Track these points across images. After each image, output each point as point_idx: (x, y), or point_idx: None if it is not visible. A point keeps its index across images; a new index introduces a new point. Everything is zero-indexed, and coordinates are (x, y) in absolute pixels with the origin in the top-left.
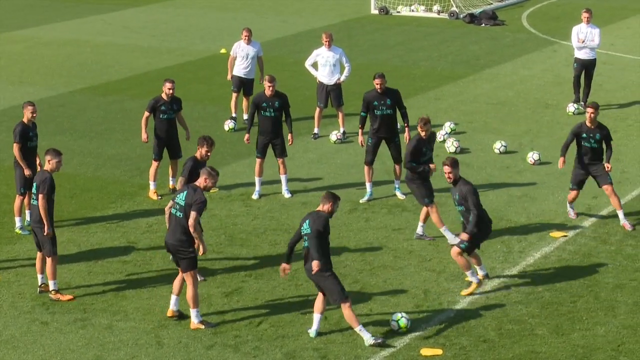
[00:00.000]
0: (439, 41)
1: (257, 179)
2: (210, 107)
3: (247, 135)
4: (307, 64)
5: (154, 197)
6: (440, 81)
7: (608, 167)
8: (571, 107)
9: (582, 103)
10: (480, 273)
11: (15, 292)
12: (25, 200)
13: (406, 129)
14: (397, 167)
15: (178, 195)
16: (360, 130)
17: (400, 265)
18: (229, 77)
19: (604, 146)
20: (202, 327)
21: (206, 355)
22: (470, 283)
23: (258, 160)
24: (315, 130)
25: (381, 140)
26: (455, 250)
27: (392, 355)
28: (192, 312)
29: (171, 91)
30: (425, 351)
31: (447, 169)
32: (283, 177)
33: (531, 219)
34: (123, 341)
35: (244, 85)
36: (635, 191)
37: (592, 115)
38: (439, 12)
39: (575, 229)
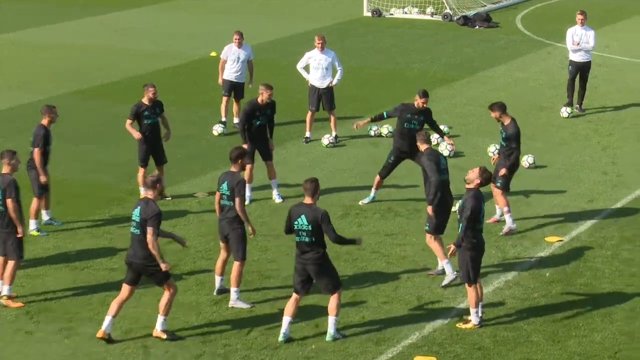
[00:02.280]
0: (433, 43)
1: (247, 185)
2: (200, 111)
3: (246, 145)
4: (299, 66)
5: None
6: (433, 84)
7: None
8: (564, 111)
9: (577, 106)
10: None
11: None
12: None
13: (446, 137)
14: None
15: (133, 211)
16: (368, 119)
17: (393, 272)
18: (219, 80)
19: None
20: (164, 337)
21: None
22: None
23: (248, 167)
24: (307, 134)
25: (402, 159)
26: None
27: None
28: (159, 319)
29: (155, 95)
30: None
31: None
32: (273, 182)
33: (526, 224)
34: (109, 351)
35: (235, 89)
36: (630, 195)
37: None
38: (432, 15)
39: (570, 234)
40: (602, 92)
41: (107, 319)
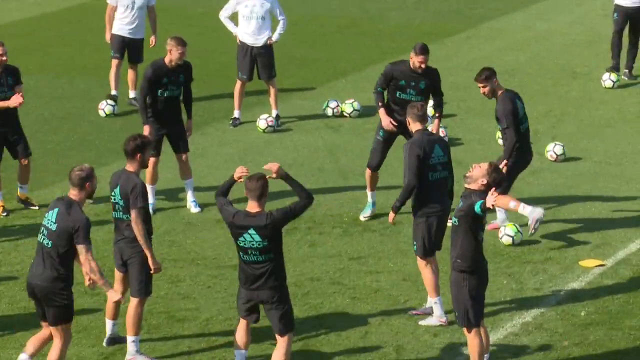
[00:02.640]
0: None
1: (149, 187)
2: (79, 81)
3: (147, 127)
4: (223, 15)
5: None
6: (418, 40)
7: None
8: (608, 79)
9: (626, 71)
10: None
11: None
12: None
13: (437, 121)
14: None
15: (46, 215)
16: (382, 110)
17: (362, 312)
18: (107, 37)
19: None
20: None
21: None
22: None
23: (151, 161)
24: (236, 114)
25: (396, 135)
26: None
27: None
28: None
29: (4, 58)
30: None
31: None
32: (187, 183)
33: (552, 241)
34: None
35: (130, 48)
36: None
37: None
38: None
39: (616, 255)
40: None
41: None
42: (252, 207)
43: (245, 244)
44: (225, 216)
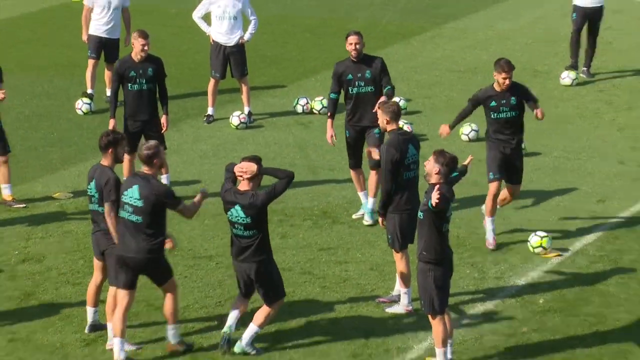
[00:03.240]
0: None
1: None
2: (57, 80)
3: (112, 122)
4: (197, 16)
5: None
6: (385, 39)
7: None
8: (567, 77)
9: (584, 69)
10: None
11: None
12: None
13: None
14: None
15: (124, 193)
16: (329, 121)
17: (331, 300)
18: (84, 37)
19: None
20: (181, 349)
21: None
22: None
23: (127, 157)
24: (209, 111)
25: (363, 130)
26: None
27: None
28: (170, 328)
29: None
30: None
31: None
32: (165, 179)
33: (513, 233)
34: None
35: (106, 48)
36: None
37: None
38: None
39: (573, 246)
40: (618, 50)
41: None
42: (242, 185)
43: (232, 218)
44: (221, 190)
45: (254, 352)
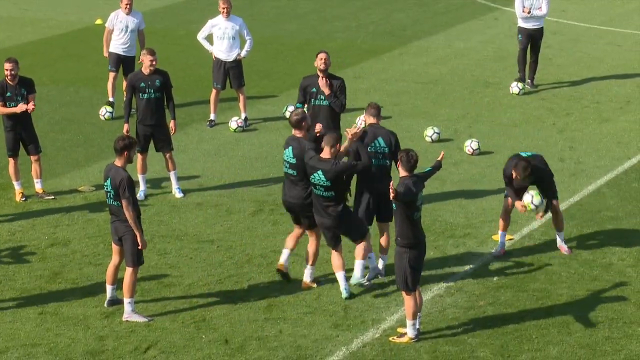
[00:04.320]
0: (358, 8)
1: (140, 177)
2: (83, 90)
3: (125, 126)
4: (201, 36)
5: (19, 198)
6: (360, 56)
7: None
8: (515, 87)
9: (529, 81)
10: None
11: None
12: None
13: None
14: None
15: (284, 152)
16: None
17: (316, 277)
18: (105, 53)
19: None
20: (314, 285)
21: None
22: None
23: (140, 156)
24: (212, 117)
25: (318, 140)
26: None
27: None
28: (308, 269)
29: (13, 72)
30: None
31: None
32: (172, 174)
33: (470, 220)
34: None
35: (124, 64)
36: (591, 185)
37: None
38: None
39: (521, 231)
40: (557, 65)
41: (285, 252)
42: (325, 153)
43: (314, 180)
44: (305, 157)
45: (367, 282)
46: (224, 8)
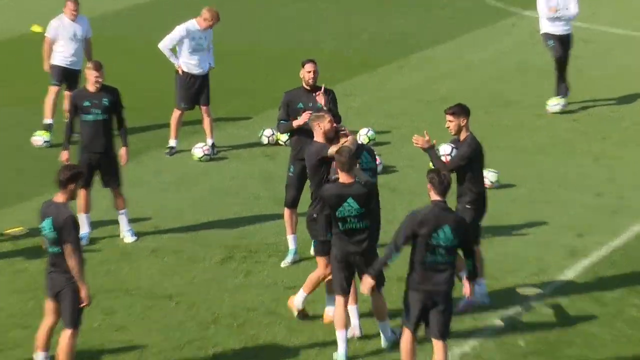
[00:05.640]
0: (349, 13)
1: (83, 217)
2: (16, 111)
3: (64, 154)
4: (167, 47)
5: None
6: (351, 70)
7: None
8: (556, 106)
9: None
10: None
11: None
12: None
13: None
14: None
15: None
16: (293, 121)
17: (297, 344)
18: (45, 67)
19: None
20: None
21: None
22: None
23: (82, 191)
24: (172, 143)
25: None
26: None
27: None
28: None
29: None
30: None
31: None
32: (122, 214)
33: (488, 267)
34: None
35: (69, 78)
36: (637, 225)
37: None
38: None
39: (552, 284)
40: (590, 77)
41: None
42: (343, 178)
43: (344, 214)
44: (321, 191)
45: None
46: (208, 20)
